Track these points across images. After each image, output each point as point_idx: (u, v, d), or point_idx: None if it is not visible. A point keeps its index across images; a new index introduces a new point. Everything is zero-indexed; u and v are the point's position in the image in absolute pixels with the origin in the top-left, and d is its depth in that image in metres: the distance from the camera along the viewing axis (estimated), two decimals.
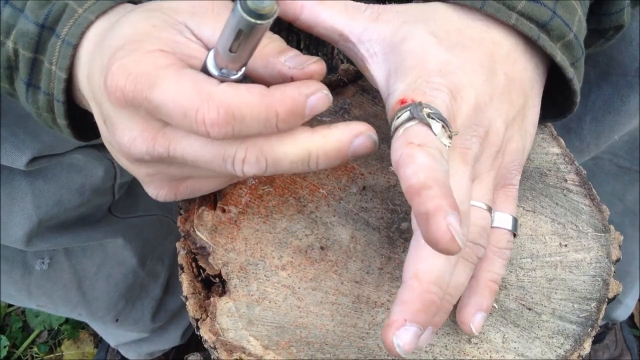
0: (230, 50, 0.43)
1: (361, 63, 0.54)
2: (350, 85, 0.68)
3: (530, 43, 0.54)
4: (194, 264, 0.57)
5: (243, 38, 0.41)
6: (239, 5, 0.39)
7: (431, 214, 0.41)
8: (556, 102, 0.59)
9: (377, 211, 0.60)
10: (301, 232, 0.59)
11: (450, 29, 0.52)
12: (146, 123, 0.47)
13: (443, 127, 0.46)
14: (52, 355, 1.54)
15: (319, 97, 0.45)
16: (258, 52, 0.47)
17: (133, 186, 1.07)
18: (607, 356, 1.45)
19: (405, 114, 0.47)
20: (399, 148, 0.45)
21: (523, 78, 0.53)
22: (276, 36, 0.50)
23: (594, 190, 0.64)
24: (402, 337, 0.44)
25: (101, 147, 0.92)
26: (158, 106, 0.44)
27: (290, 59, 0.48)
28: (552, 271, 0.59)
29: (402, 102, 0.48)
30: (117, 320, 1.16)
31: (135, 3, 0.54)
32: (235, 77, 0.46)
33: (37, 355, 1.55)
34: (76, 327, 1.56)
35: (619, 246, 0.61)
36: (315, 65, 0.47)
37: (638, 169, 0.93)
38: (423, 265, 0.45)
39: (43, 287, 1.01)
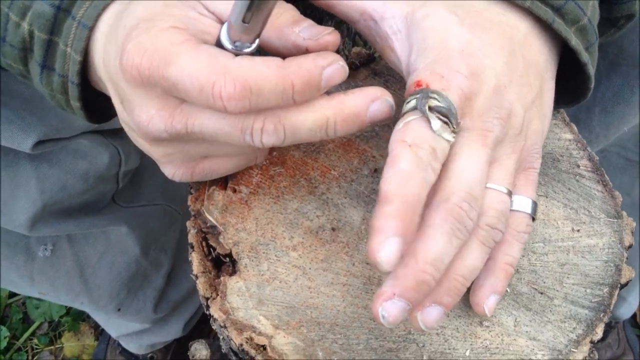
0: (244, 21, 0.42)
1: (382, 42, 0.53)
2: (362, 69, 0.67)
3: (545, 27, 0.54)
4: (204, 243, 0.57)
5: (256, 7, 0.41)
6: None
7: (375, 230, 0.43)
8: (568, 88, 0.59)
9: None
10: (312, 213, 0.58)
11: (470, 10, 0.51)
12: (163, 101, 0.47)
13: (446, 122, 0.46)
14: (52, 347, 1.54)
15: (335, 68, 0.45)
16: (271, 22, 0.46)
17: (137, 175, 1.06)
18: (610, 355, 1.45)
19: (412, 103, 0.47)
20: (393, 142, 0.46)
21: (539, 61, 0.53)
22: (289, 5, 0.50)
23: (606, 176, 0.63)
24: (389, 309, 0.45)
25: (107, 133, 0.92)
26: (174, 83, 0.44)
27: (304, 30, 0.47)
28: (565, 256, 0.58)
29: (418, 84, 0.48)
30: (119, 309, 1.15)
31: None
32: (249, 50, 0.45)
33: (37, 347, 1.54)
34: (77, 319, 1.55)
35: (632, 232, 0.61)
36: (330, 36, 0.47)
37: None
38: (422, 244, 0.45)
39: (45, 273, 1.01)
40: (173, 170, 0.54)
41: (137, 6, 0.48)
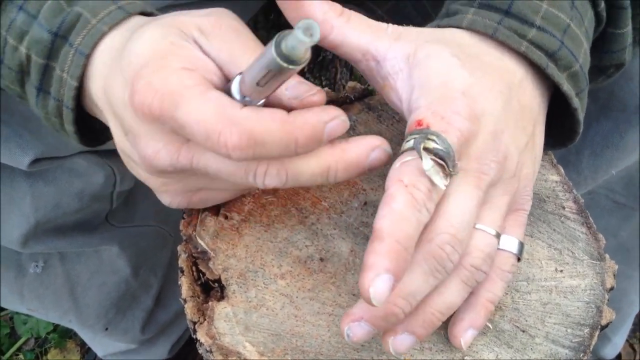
0: (258, 84, 0.44)
1: (383, 81, 0.54)
2: (356, 103, 0.69)
3: (538, 71, 0.55)
4: (194, 268, 0.58)
5: (272, 76, 0.43)
6: (273, 50, 0.40)
7: (366, 266, 0.44)
8: (557, 131, 0.61)
9: None
10: (302, 242, 0.59)
11: (470, 53, 0.53)
12: (171, 136, 0.48)
13: (442, 166, 0.47)
14: None
15: (337, 123, 0.47)
16: None
17: (131, 196, 1.07)
18: None
19: (410, 142, 0.48)
20: (389, 180, 0.47)
21: (532, 106, 0.54)
22: None
23: (590, 218, 0.65)
24: (354, 330, 0.48)
25: (103, 154, 0.93)
26: (182, 125, 0.45)
27: (290, 88, 0.48)
28: (547, 295, 0.60)
29: (419, 123, 0.49)
30: (106, 329, 1.15)
31: (147, 15, 0.55)
32: (256, 104, 0.47)
33: None
34: (63, 337, 1.55)
35: (614, 275, 0.62)
36: (315, 97, 0.48)
37: (633, 206, 0.94)
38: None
39: (35, 290, 1.01)
40: (170, 199, 0.55)
41: (141, 40, 0.49)
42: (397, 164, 0.48)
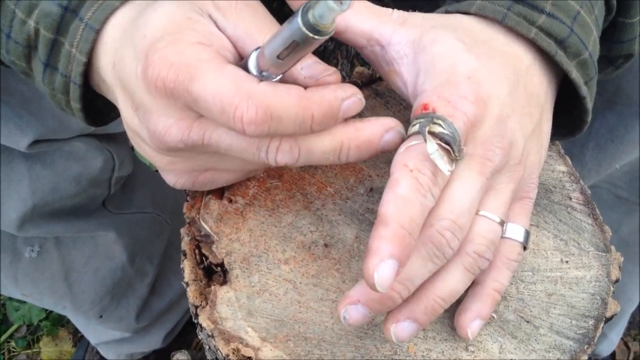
0: (279, 57, 0.43)
1: (388, 67, 0.54)
2: (363, 88, 0.68)
3: (546, 58, 0.55)
4: (197, 251, 0.57)
5: (294, 48, 0.42)
6: (299, 18, 0.40)
7: (371, 251, 0.44)
8: (564, 120, 0.60)
9: None
10: (306, 227, 0.59)
11: (476, 39, 0.52)
12: (183, 112, 0.47)
13: (447, 150, 0.46)
14: (29, 351, 1.52)
15: (353, 101, 0.47)
16: None
17: (129, 182, 1.06)
18: None
19: (416, 127, 0.47)
20: (394, 165, 0.47)
21: (540, 92, 0.54)
22: None
23: (597, 210, 0.64)
24: (351, 312, 0.48)
25: (102, 138, 0.92)
26: (197, 99, 0.44)
27: (306, 68, 0.48)
28: (552, 286, 0.59)
29: (425, 107, 0.48)
30: (101, 316, 1.14)
31: None
32: (274, 80, 0.46)
33: (14, 350, 1.52)
34: (56, 324, 1.54)
35: (619, 267, 0.62)
36: (331, 77, 0.48)
37: (636, 200, 0.94)
38: None
39: (30, 275, 1.00)
40: (175, 178, 0.54)
41: (155, 14, 0.48)
42: (402, 148, 0.48)
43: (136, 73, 0.47)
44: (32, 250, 0.98)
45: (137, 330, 1.25)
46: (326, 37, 0.40)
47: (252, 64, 0.46)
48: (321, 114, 0.45)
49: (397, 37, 0.53)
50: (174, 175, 0.54)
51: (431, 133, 0.46)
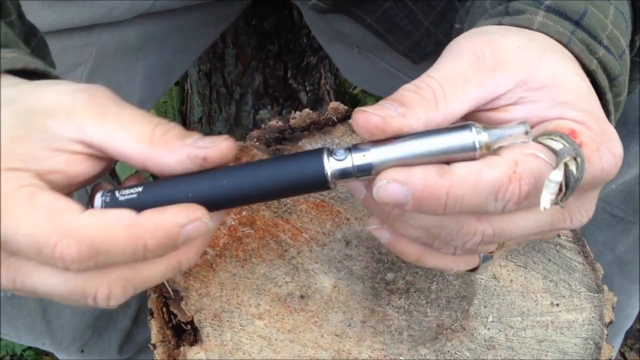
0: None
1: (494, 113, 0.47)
2: (339, 125, 0.65)
3: None
4: (164, 309, 0.54)
5: None
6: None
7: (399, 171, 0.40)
8: None
9: (362, 260, 0.57)
10: (281, 278, 0.55)
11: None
12: None
13: (560, 190, 0.41)
14: None
15: (197, 226, 0.41)
16: (160, 138, 0.42)
17: None
18: None
19: (556, 144, 0.41)
20: (506, 150, 0.41)
21: None
22: (173, 124, 0.44)
23: (587, 247, 0.61)
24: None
25: None
26: (6, 241, 0.39)
27: (197, 141, 0.42)
28: (543, 332, 0.56)
29: (573, 134, 0.42)
30: (82, 351, 1.11)
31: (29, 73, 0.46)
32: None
33: None
34: (40, 354, 1.50)
35: (612, 307, 0.59)
36: (227, 142, 0.42)
37: (632, 219, 0.91)
38: None
39: (7, 314, 0.96)
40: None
41: None
42: (526, 145, 0.41)
43: None
44: None
45: None
46: None
47: (98, 202, 0.41)
48: (156, 243, 0.40)
49: (501, 87, 0.45)
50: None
51: (565, 165, 0.40)
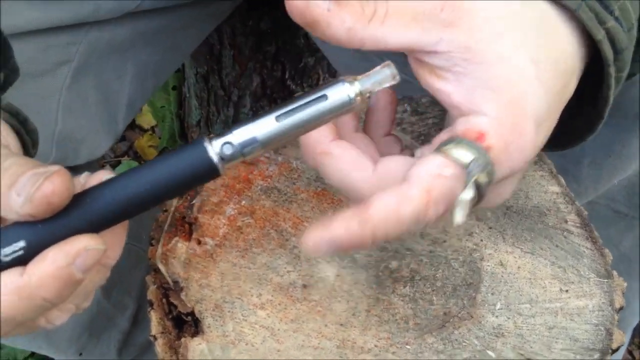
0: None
1: (429, 73, 0.46)
2: None
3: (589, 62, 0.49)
4: (164, 300, 0.52)
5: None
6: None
7: (328, 226, 0.40)
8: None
9: None
10: (282, 268, 0.54)
11: (546, 38, 0.46)
12: None
13: (473, 202, 0.41)
14: None
15: (86, 256, 0.38)
16: None
17: None
18: None
19: (464, 156, 0.40)
20: (413, 177, 0.40)
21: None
22: (10, 161, 0.39)
23: (595, 232, 0.60)
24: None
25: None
26: None
27: (21, 190, 0.37)
28: (553, 319, 0.55)
29: (481, 137, 0.41)
30: (80, 354, 1.09)
31: None
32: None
33: None
34: None
35: (622, 293, 0.57)
36: (45, 187, 0.36)
37: (635, 215, 0.90)
38: None
39: None
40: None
41: None
42: (433, 164, 0.40)
43: None
44: None
45: None
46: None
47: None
48: (54, 292, 0.37)
49: (443, 45, 0.44)
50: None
51: (477, 183, 0.40)
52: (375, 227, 0.39)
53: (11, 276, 0.38)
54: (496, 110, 0.42)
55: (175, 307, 0.52)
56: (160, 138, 1.63)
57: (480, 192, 0.40)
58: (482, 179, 0.40)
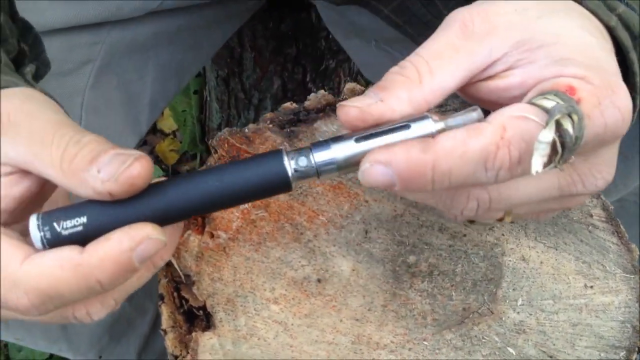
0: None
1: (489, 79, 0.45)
2: None
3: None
4: (175, 294, 0.51)
5: None
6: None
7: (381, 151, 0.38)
8: None
9: (382, 242, 0.54)
10: (297, 262, 0.53)
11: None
12: None
13: (555, 152, 0.37)
14: None
15: (147, 244, 0.38)
16: (68, 168, 0.38)
17: None
18: None
19: (548, 102, 0.38)
20: (494, 114, 0.38)
21: None
22: (89, 137, 0.39)
23: (621, 227, 0.58)
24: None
25: None
26: None
27: (104, 168, 0.37)
28: (577, 315, 0.53)
29: (570, 90, 0.39)
30: (100, 357, 1.09)
31: None
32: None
33: None
34: None
35: None
36: (134, 167, 0.37)
37: None
38: None
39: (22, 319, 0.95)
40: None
41: None
42: (515, 108, 0.38)
43: None
44: None
45: None
46: None
47: (33, 229, 0.38)
48: (109, 276, 0.37)
49: (496, 51, 0.43)
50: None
51: (558, 124, 0.37)
52: (438, 158, 0.37)
53: (70, 252, 0.38)
54: (582, 72, 0.40)
55: (187, 301, 0.51)
56: (181, 142, 1.63)
57: (565, 143, 0.37)
58: (568, 124, 0.37)
